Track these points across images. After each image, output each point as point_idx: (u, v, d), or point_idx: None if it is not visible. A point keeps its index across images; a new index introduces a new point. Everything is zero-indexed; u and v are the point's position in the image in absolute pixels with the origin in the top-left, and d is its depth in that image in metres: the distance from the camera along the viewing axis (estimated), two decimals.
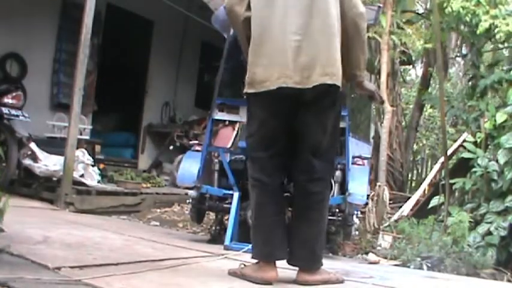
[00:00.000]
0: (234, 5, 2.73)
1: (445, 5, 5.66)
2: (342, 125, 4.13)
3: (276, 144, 2.66)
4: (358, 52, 2.72)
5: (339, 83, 2.60)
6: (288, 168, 2.75)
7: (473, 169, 5.07)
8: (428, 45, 6.80)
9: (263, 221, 2.67)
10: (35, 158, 5.48)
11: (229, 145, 6.06)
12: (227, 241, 3.74)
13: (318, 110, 2.63)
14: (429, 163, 12.64)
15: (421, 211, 6.05)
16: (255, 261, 2.66)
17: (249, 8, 2.69)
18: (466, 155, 5.33)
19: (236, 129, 6.43)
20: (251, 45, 2.68)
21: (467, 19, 5.64)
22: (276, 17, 2.62)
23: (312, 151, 2.66)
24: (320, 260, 2.68)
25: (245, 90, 2.68)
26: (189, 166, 4.32)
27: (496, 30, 5.33)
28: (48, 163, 5.48)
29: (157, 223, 5.67)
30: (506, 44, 6.05)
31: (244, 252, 3.32)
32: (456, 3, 5.52)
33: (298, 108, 2.61)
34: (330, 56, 2.59)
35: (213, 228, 4.60)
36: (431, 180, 7.08)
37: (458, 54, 10.50)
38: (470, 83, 6.46)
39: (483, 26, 5.38)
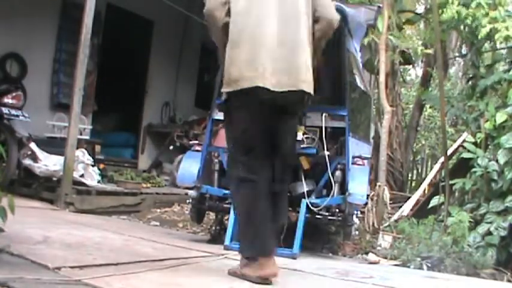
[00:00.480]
0: (214, 10, 2.78)
1: (440, 11, 5.63)
2: (342, 125, 4.15)
3: (254, 149, 2.75)
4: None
5: (312, 91, 2.75)
6: (271, 166, 2.85)
7: (473, 169, 5.06)
8: (427, 51, 6.79)
9: (259, 219, 2.69)
10: (35, 158, 5.48)
11: None
12: (227, 241, 3.75)
13: (291, 116, 2.85)
14: (429, 163, 12.63)
15: (421, 211, 6.04)
16: (254, 261, 2.66)
17: (228, 13, 2.75)
18: (466, 155, 5.32)
19: None
20: (228, 48, 2.75)
21: (468, 22, 5.61)
22: (255, 22, 2.71)
23: (283, 155, 2.85)
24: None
25: (222, 89, 2.77)
26: (189, 166, 4.32)
27: (497, 36, 5.29)
28: (48, 163, 5.48)
29: (157, 223, 5.66)
30: (504, 45, 6.03)
31: None
32: (450, 10, 5.50)
33: (274, 114, 2.74)
34: (304, 64, 2.72)
35: (213, 228, 4.60)
36: (431, 180, 7.08)
37: (458, 54, 10.51)
38: (470, 83, 6.45)
39: (483, 31, 5.35)
